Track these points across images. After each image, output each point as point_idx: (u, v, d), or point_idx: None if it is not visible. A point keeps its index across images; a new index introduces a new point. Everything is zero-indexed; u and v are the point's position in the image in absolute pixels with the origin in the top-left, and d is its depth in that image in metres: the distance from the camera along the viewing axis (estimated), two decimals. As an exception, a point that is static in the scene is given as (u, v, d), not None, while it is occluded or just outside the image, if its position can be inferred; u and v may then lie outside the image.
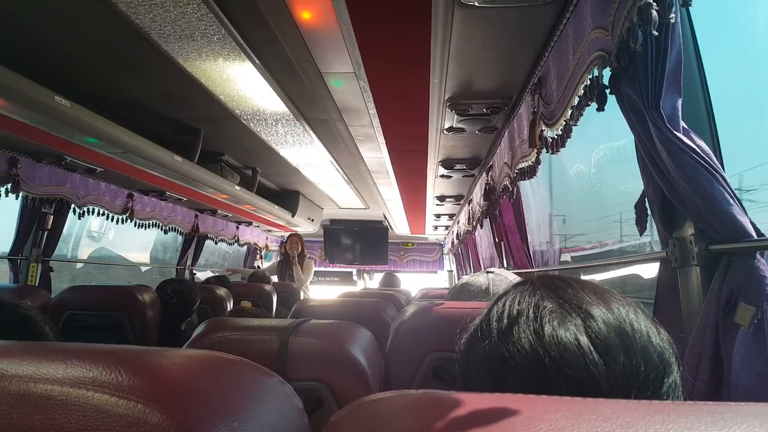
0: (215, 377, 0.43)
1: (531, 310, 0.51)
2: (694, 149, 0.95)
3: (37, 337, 1.05)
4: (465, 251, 5.50)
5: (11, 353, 0.40)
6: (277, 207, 4.58)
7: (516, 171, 2.18)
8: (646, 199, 1.17)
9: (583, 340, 0.47)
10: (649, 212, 1.18)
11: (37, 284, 3.23)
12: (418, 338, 1.10)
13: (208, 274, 5.75)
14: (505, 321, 0.52)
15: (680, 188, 0.99)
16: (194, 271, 5.48)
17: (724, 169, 0.98)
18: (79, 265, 6.47)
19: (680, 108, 0.99)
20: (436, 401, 0.36)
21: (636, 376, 0.46)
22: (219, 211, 4.95)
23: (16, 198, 2.84)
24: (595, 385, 0.45)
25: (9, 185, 2.72)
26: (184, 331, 2.40)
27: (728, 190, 0.95)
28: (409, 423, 0.34)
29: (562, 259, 3.13)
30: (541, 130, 1.69)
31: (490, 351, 0.52)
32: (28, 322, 1.07)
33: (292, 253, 5.39)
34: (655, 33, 0.89)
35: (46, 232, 3.31)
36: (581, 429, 0.30)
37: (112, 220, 3.78)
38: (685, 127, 0.99)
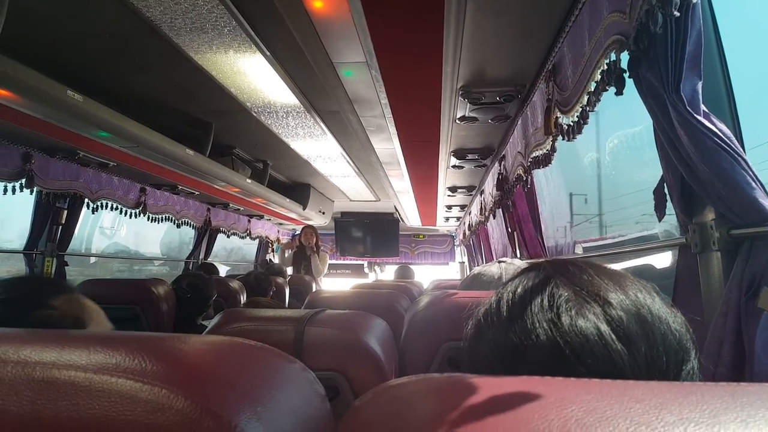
0: (238, 363, 0.42)
1: (545, 299, 0.49)
2: (716, 132, 0.93)
3: None
4: (477, 242, 5.48)
5: (34, 340, 0.40)
6: (288, 200, 4.59)
7: (530, 159, 2.17)
8: (665, 184, 1.16)
9: (604, 328, 0.46)
10: (668, 198, 1.16)
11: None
12: (433, 328, 1.10)
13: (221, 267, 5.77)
14: (516, 309, 0.51)
15: (701, 172, 0.97)
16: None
17: (745, 152, 0.96)
18: (92, 260, 6.52)
19: (701, 91, 0.97)
20: (461, 385, 0.36)
21: (658, 364, 0.45)
22: (231, 205, 4.97)
23: (31, 193, 2.87)
24: (618, 375, 0.44)
25: (23, 180, 2.76)
26: (199, 325, 2.42)
27: (750, 173, 0.93)
28: (435, 407, 0.34)
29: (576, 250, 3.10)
30: (556, 117, 1.67)
31: (500, 339, 0.50)
32: None
33: (308, 243, 5.43)
34: (677, 14, 0.87)
35: (60, 227, 3.34)
36: (614, 410, 0.29)
37: (125, 214, 3.80)
38: (706, 110, 0.97)
